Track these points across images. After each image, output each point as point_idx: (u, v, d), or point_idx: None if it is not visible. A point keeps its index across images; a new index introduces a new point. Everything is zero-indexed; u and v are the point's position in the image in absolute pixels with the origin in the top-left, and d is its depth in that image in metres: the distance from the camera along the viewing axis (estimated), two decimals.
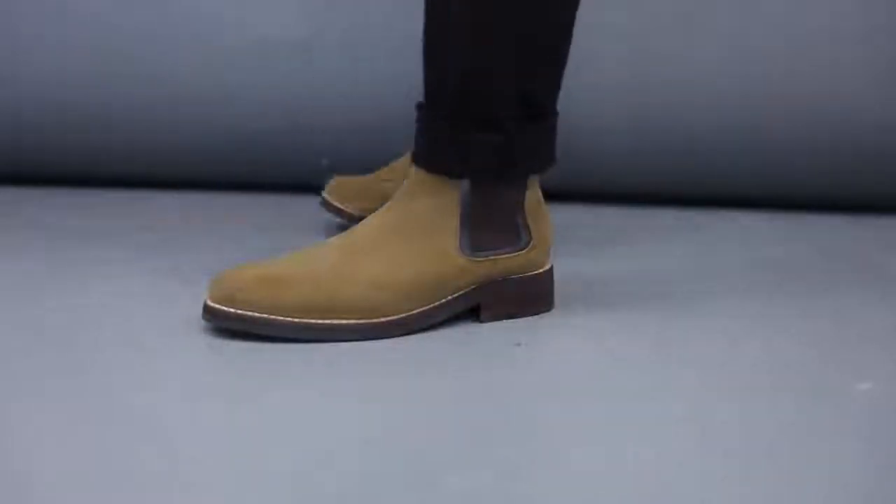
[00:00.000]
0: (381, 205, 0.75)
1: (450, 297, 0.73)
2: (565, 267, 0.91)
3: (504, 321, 0.74)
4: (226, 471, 0.48)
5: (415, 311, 0.71)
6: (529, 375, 0.64)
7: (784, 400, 0.61)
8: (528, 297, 0.77)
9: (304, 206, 1.25)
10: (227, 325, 0.67)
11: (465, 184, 0.72)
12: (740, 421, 0.57)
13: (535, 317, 0.76)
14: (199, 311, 0.68)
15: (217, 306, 0.67)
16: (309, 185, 1.34)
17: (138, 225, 1.08)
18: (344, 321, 0.68)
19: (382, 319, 0.70)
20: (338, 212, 0.99)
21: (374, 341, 0.69)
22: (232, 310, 0.66)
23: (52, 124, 1.26)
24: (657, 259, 0.96)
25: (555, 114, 0.76)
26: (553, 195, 1.12)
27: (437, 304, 0.72)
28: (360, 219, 0.78)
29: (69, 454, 0.48)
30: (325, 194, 1.01)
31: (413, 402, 0.58)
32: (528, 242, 0.75)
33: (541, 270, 0.77)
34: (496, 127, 0.71)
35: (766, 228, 1.25)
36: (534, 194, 0.76)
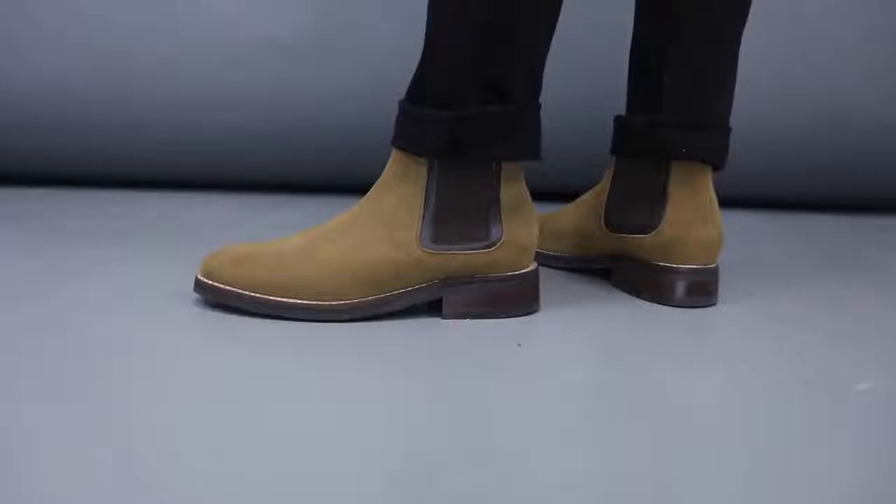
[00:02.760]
0: None
1: (407, 289, 0.73)
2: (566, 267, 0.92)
3: (504, 321, 0.74)
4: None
5: (367, 299, 0.72)
6: (529, 375, 0.64)
7: (783, 399, 0.61)
8: (495, 298, 0.75)
9: (306, 206, 1.25)
10: (206, 296, 0.73)
11: (434, 172, 0.72)
12: (740, 421, 0.57)
13: (535, 316, 0.76)
14: (202, 311, 0.74)
15: (201, 278, 0.73)
16: (309, 185, 1.35)
17: (138, 225, 1.08)
18: (295, 300, 0.71)
19: (333, 302, 0.71)
20: None
21: (373, 337, 0.69)
22: (210, 282, 0.73)
23: (52, 124, 1.27)
24: None
25: (528, 102, 0.73)
26: (552, 195, 1.13)
27: (391, 293, 0.73)
28: None
29: (67, 452, 0.48)
30: None
31: (412, 402, 0.58)
32: (498, 241, 0.74)
33: (513, 272, 0.75)
34: (450, 105, 0.70)
35: (766, 228, 1.25)
36: (515, 191, 0.74)
